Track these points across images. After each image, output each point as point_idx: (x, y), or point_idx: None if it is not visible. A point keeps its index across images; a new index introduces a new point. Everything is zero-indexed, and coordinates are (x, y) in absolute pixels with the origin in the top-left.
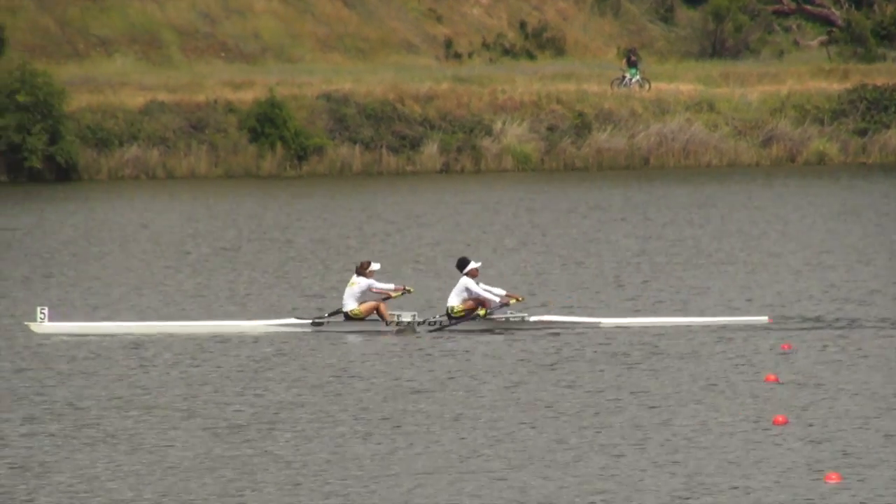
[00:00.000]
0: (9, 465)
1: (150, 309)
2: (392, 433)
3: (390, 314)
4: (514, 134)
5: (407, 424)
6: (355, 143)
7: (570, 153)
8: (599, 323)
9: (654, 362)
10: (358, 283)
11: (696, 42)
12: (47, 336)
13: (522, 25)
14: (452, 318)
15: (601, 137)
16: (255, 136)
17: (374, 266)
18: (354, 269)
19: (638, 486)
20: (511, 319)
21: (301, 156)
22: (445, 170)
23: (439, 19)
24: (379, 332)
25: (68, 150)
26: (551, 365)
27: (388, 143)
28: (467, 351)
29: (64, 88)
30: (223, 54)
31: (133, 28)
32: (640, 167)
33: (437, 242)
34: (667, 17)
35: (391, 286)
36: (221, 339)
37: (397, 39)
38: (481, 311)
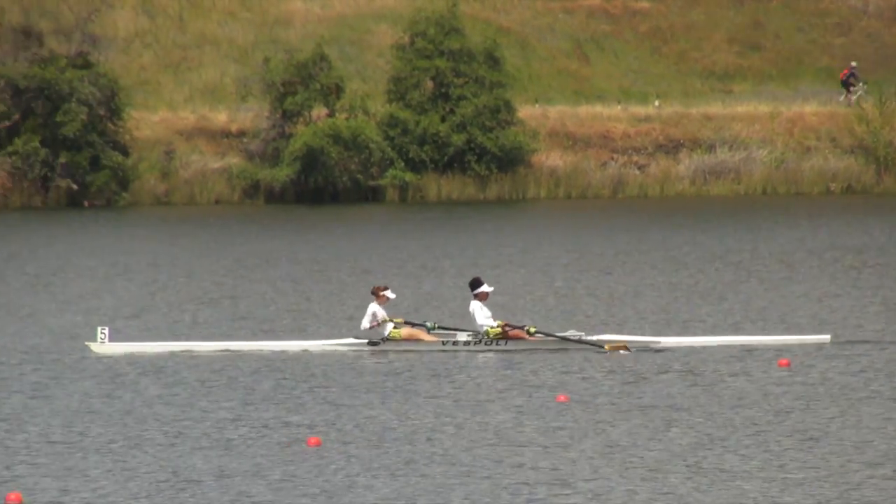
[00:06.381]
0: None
1: None
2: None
3: (448, 332)
4: None
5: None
6: None
7: None
8: (659, 342)
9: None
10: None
11: None
12: None
13: None
14: (493, 340)
15: None
16: None
17: (390, 294)
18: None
19: None
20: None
21: None
22: None
23: None
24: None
25: None
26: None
27: None
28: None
29: None
30: None
31: None
32: None
33: None
34: None
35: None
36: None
37: None
38: (531, 328)
